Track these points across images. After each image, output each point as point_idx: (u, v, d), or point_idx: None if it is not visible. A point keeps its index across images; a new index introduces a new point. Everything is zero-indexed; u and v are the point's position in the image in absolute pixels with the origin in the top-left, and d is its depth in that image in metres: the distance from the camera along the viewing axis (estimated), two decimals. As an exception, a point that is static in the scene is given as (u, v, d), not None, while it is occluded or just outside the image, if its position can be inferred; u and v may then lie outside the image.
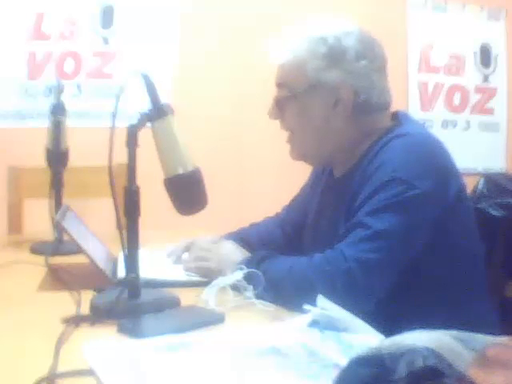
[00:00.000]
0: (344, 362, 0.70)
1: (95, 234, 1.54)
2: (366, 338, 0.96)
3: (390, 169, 1.32)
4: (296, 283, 1.28)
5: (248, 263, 1.34)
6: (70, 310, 1.16)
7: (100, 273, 1.33)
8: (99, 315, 1.11)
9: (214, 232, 1.66)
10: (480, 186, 1.97)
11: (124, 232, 1.15)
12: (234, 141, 3.13)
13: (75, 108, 2.69)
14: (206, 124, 3.03)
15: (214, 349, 0.97)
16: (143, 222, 1.16)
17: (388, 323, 1.01)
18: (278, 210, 1.78)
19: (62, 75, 2.84)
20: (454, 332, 0.66)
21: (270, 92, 1.51)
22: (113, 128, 1.10)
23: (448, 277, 1.36)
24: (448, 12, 3.50)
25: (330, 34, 1.43)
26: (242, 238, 1.64)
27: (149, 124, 1.18)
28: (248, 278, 1.28)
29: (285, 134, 1.52)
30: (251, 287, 1.27)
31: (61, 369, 0.88)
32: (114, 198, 1.11)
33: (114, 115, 1.12)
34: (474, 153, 3.49)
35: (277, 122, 1.51)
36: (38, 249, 1.74)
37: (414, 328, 0.68)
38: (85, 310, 1.16)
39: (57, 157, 1.82)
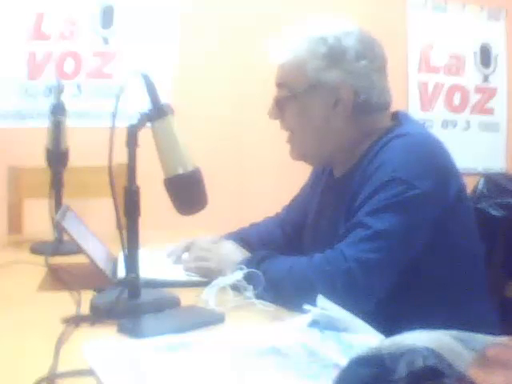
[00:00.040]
0: (344, 361, 0.70)
1: (95, 234, 1.54)
2: (365, 338, 0.96)
3: (390, 169, 1.32)
4: (296, 283, 1.28)
5: (248, 263, 1.34)
6: (70, 310, 1.16)
7: (100, 273, 1.33)
8: (99, 315, 1.11)
9: (214, 232, 1.66)
10: (480, 186, 1.97)
11: (124, 232, 1.15)
12: (234, 141, 3.12)
13: (75, 108, 2.69)
14: (206, 124, 3.03)
15: (213, 349, 0.97)
16: (143, 222, 1.16)
17: (388, 323, 1.01)
18: (277, 210, 1.78)
19: (61, 75, 2.84)
20: (454, 332, 0.66)
21: (270, 92, 1.51)
22: (113, 128, 1.10)
23: (448, 277, 1.36)
24: (448, 12, 3.50)
25: (330, 34, 1.43)
26: (242, 238, 1.64)
27: (149, 124, 1.18)
28: (248, 278, 1.28)
29: (285, 134, 1.52)
30: (251, 287, 1.27)
31: (61, 369, 0.88)
32: (114, 198, 1.11)
33: (114, 115, 1.12)
34: (473, 153, 3.49)
35: (277, 122, 1.51)
36: (37, 249, 1.74)
37: (414, 328, 0.68)
38: (85, 309, 1.16)
39: (57, 157, 1.82)
